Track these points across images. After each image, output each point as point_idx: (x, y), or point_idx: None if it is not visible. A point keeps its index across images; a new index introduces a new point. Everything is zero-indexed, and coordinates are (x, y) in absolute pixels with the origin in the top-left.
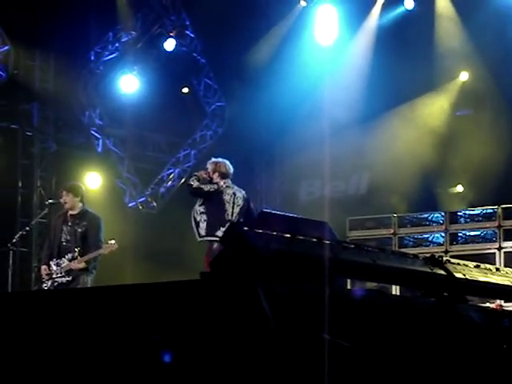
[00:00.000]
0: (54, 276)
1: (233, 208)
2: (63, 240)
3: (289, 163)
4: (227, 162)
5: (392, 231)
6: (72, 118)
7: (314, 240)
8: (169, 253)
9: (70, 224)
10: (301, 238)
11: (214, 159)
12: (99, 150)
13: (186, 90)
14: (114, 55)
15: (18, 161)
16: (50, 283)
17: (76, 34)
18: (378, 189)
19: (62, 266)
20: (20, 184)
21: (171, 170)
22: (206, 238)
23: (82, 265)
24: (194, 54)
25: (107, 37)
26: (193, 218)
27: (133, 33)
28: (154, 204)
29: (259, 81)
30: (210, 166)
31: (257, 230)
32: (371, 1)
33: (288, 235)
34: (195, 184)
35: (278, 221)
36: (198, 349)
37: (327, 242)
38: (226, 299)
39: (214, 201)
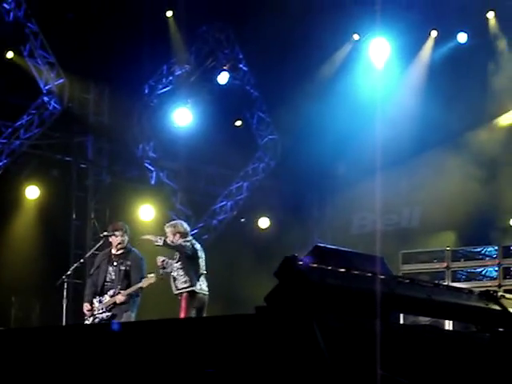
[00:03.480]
0: (96, 312)
1: (203, 261)
2: (108, 279)
3: (340, 197)
4: (183, 222)
5: (445, 265)
6: (126, 151)
7: (369, 275)
8: (221, 285)
9: (114, 264)
10: (356, 272)
11: (169, 223)
12: (153, 182)
13: (238, 122)
14: (167, 88)
15: (73, 193)
16: (91, 319)
17: (130, 68)
18: (431, 222)
19: (104, 302)
20: (74, 216)
21: (224, 203)
22: (185, 290)
23: (125, 298)
24: (247, 87)
25: (161, 70)
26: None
27: (186, 66)
28: (207, 236)
29: (311, 113)
30: (169, 230)
31: (312, 265)
32: (424, 35)
33: (343, 270)
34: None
35: (333, 255)
36: (252, 382)
37: (382, 276)
38: (281, 333)
39: (190, 256)
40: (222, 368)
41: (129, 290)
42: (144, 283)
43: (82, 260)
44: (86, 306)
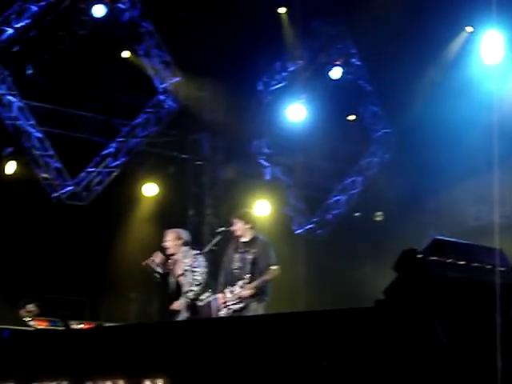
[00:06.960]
0: (229, 303)
1: None
2: (235, 267)
3: (456, 189)
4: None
5: None
6: (241, 147)
7: (489, 267)
8: (339, 279)
9: (240, 251)
10: (475, 265)
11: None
12: (267, 178)
13: (352, 117)
14: (281, 84)
15: (189, 189)
16: (225, 311)
17: (244, 65)
18: None
19: (235, 292)
20: (191, 212)
21: (338, 197)
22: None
23: (251, 291)
24: (361, 82)
25: (275, 66)
26: None
27: (300, 62)
28: (322, 231)
29: (425, 106)
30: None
31: (431, 258)
32: None
33: (462, 262)
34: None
35: (452, 248)
36: (368, 377)
37: (502, 269)
38: (402, 326)
39: None
40: (339, 361)
41: (254, 284)
42: (269, 275)
43: None
44: (222, 298)
